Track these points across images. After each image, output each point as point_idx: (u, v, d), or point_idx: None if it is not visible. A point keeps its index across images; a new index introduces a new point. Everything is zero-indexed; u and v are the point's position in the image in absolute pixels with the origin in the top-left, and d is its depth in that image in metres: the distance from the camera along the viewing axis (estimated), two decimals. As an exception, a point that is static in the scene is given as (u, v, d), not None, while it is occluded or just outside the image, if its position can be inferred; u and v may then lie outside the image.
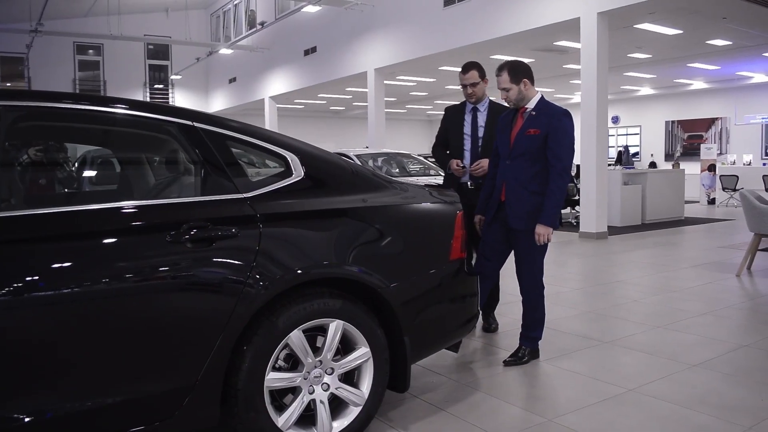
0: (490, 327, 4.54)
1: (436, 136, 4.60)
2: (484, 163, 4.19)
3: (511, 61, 3.86)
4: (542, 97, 3.81)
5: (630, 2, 9.47)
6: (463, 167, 4.29)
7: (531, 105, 3.78)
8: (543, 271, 3.92)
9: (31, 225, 2.12)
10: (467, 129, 4.37)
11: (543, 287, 3.93)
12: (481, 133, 4.33)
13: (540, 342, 4.03)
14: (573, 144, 3.75)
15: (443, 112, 4.59)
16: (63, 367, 2.11)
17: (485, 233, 3.98)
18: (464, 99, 4.44)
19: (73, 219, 2.20)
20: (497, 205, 3.87)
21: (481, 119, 4.35)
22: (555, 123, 3.67)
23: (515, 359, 3.89)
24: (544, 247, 3.78)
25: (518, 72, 3.75)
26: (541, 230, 3.65)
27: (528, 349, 3.93)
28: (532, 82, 3.80)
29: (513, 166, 3.78)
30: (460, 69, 4.40)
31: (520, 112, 3.82)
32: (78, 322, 2.11)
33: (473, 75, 4.29)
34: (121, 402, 2.19)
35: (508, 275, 4.33)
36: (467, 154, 4.35)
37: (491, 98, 4.43)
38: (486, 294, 4.06)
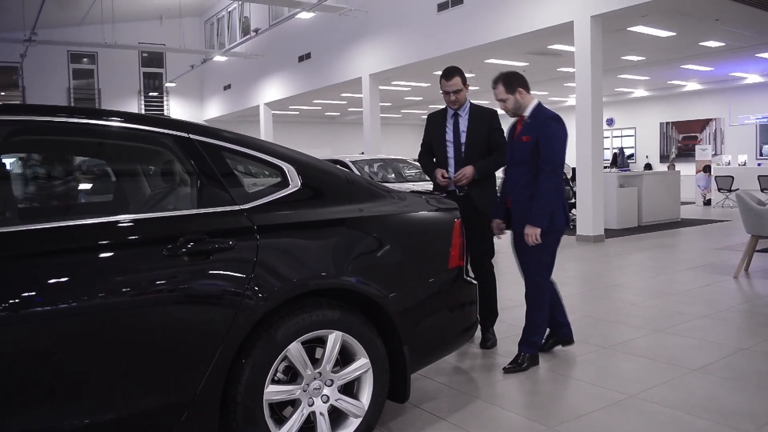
0: (487, 343, 4.35)
1: (420, 145, 4.53)
2: (467, 171, 4.13)
3: (504, 72, 3.94)
4: (538, 104, 3.88)
5: (623, 5, 9.49)
6: (449, 177, 4.21)
7: (527, 112, 3.87)
8: (548, 277, 3.93)
9: (27, 240, 2.10)
10: (449, 136, 4.29)
11: (546, 292, 3.94)
12: (463, 138, 4.24)
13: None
14: (563, 147, 3.80)
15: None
16: (59, 384, 2.09)
17: (517, 247, 4.04)
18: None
19: (69, 234, 2.18)
20: (507, 211, 4.02)
21: (463, 124, 4.26)
22: (543, 128, 3.77)
23: (515, 366, 3.87)
24: (548, 250, 3.84)
25: (512, 82, 3.85)
26: (527, 230, 3.74)
27: (527, 355, 3.91)
28: (528, 89, 3.88)
29: (513, 173, 3.93)
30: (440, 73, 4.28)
31: (519, 120, 3.92)
32: (74, 338, 2.09)
33: (457, 82, 4.19)
34: (119, 418, 2.17)
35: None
36: (451, 162, 4.27)
37: (472, 101, 4.35)
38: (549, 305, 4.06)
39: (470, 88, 4.40)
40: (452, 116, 4.31)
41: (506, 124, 4.05)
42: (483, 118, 4.26)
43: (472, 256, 4.25)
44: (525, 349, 3.93)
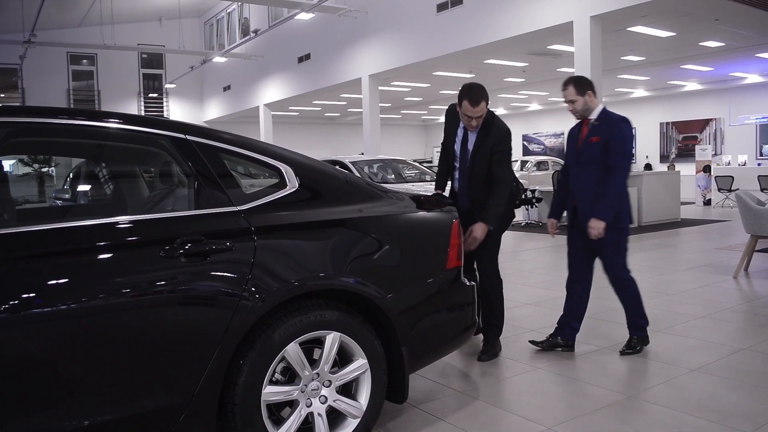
0: (482, 356, 4.10)
1: (441, 144, 4.31)
2: (478, 233, 3.86)
3: (575, 76, 4.13)
4: (604, 108, 4.06)
5: (622, 5, 9.49)
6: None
7: (594, 115, 4.05)
8: (626, 265, 4.18)
9: (24, 242, 2.10)
10: (457, 146, 4.07)
11: (631, 279, 4.20)
12: (468, 158, 4.00)
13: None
14: (631, 147, 4.08)
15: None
16: (57, 386, 2.09)
17: (569, 244, 4.28)
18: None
19: (66, 235, 2.18)
20: (573, 210, 4.17)
21: (471, 142, 3.99)
22: (614, 129, 3.96)
23: (630, 349, 4.11)
24: (620, 243, 4.07)
25: (582, 85, 4.03)
26: (593, 224, 3.93)
27: (637, 337, 4.16)
28: (595, 93, 4.06)
29: (581, 172, 4.09)
30: (458, 85, 3.95)
31: (585, 122, 4.08)
32: (71, 339, 2.09)
33: (483, 107, 3.84)
34: (117, 419, 2.17)
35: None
36: (456, 174, 4.12)
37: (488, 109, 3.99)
38: (574, 303, 4.27)
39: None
40: (463, 127, 4.04)
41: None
42: (491, 137, 3.94)
43: (481, 271, 4.13)
44: (635, 332, 4.18)
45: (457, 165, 4.12)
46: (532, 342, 4.29)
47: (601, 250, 4.09)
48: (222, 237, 2.37)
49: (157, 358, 2.24)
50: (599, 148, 3.96)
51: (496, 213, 3.94)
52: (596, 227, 3.90)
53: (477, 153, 3.99)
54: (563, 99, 4.10)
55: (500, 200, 3.94)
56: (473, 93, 3.83)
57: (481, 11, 12.16)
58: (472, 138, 4.01)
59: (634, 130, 24.49)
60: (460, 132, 4.08)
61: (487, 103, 3.90)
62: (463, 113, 3.91)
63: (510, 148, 4.05)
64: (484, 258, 4.12)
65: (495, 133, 3.96)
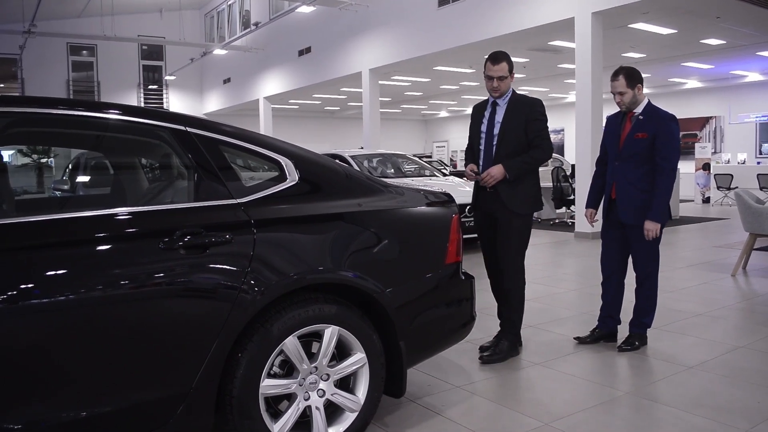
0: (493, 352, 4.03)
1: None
2: (494, 171, 3.83)
3: (627, 67, 4.05)
4: (649, 102, 4.03)
5: (624, 2, 9.47)
6: (477, 173, 3.98)
7: (639, 109, 4.03)
8: (658, 262, 4.15)
9: (23, 233, 2.09)
10: (483, 127, 4.03)
11: (656, 278, 4.18)
12: (496, 130, 3.94)
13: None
14: (679, 147, 4.00)
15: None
16: (56, 377, 2.08)
17: (603, 236, 4.31)
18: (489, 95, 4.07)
19: (65, 226, 2.18)
20: (609, 203, 4.17)
21: (499, 115, 3.95)
22: (663, 128, 3.92)
23: (630, 346, 4.12)
24: (658, 241, 4.05)
25: (633, 78, 3.98)
26: (649, 226, 3.93)
27: (638, 335, 4.18)
28: (643, 87, 4.02)
29: (622, 166, 4.06)
30: (486, 59, 3.96)
31: (628, 115, 4.04)
32: (70, 330, 2.09)
33: (503, 68, 3.88)
34: (115, 411, 2.17)
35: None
36: (481, 154, 4.02)
37: (516, 91, 4.02)
38: (611, 296, 4.32)
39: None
40: (491, 105, 4.04)
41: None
42: (522, 108, 3.94)
43: (503, 263, 3.99)
44: (636, 330, 4.20)
45: (482, 147, 4.02)
46: (577, 338, 4.33)
47: (637, 244, 4.09)
48: (221, 229, 2.37)
49: (155, 349, 2.24)
50: (645, 145, 3.93)
51: (520, 167, 3.86)
52: (652, 229, 3.92)
53: (508, 123, 3.92)
54: (611, 90, 4.02)
55: (532, 160, 3.89)
56: (493, 54, 3.96)
57: (483, 6, 12.14)
58: (499, 114, 3.97)
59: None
60: (487, 113, 4.06)
61: (511, 68, 3.94)
62: (486, 77, 3.99)
63: (546, 117, 4.00)
64: (507, 247, 3.95)
65: (525, 101, 3.99)
